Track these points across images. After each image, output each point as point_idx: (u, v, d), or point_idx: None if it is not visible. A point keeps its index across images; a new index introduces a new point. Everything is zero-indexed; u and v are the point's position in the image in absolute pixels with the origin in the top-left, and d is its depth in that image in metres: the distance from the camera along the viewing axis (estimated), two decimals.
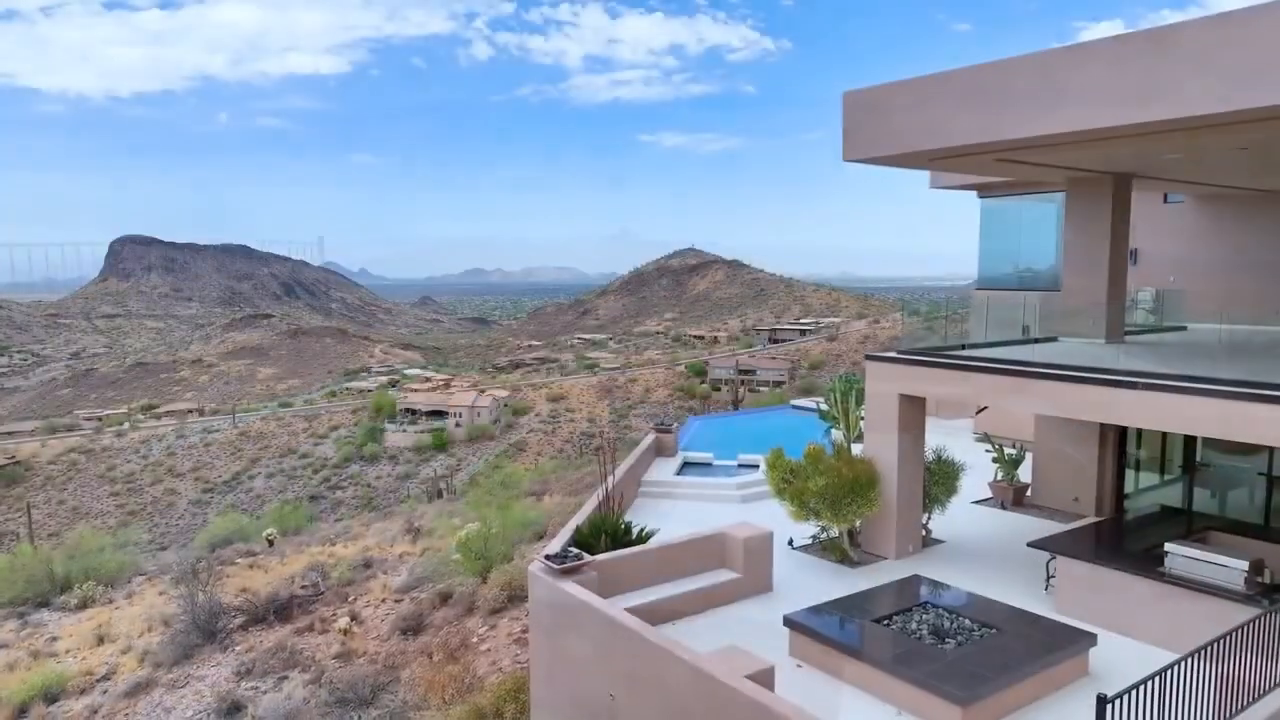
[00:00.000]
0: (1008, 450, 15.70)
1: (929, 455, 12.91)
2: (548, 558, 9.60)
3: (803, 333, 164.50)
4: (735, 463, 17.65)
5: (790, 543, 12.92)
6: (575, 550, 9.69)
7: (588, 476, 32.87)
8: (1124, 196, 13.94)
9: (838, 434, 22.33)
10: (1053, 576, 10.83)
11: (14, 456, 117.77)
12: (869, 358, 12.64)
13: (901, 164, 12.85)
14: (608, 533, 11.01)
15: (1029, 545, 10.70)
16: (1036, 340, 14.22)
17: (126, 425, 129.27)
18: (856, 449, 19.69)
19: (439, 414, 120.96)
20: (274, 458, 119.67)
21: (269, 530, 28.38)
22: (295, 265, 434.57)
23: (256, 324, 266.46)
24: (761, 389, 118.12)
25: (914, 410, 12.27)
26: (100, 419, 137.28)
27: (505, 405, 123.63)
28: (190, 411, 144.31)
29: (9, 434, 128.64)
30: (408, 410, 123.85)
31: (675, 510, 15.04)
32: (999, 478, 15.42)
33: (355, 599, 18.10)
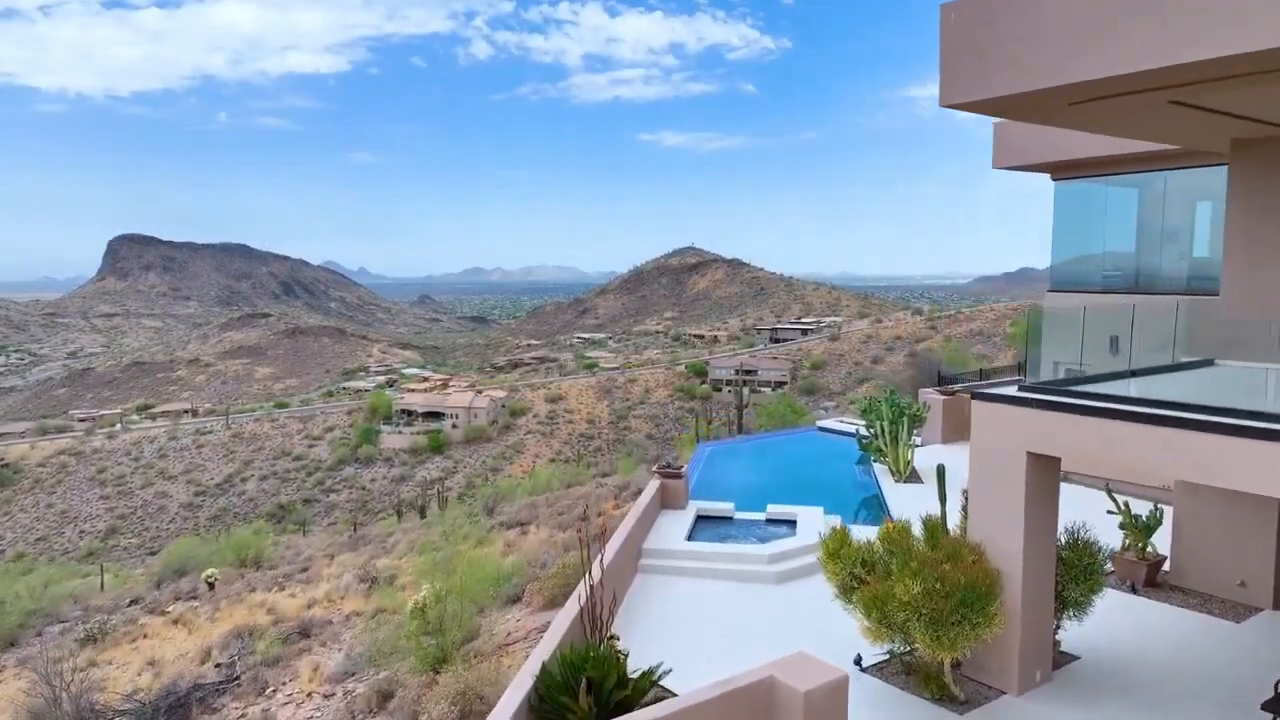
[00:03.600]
0: (1133, 507, 11.72)
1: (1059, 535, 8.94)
2: None
3: (804, 332, 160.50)
4: (763, 516, 13.68)
5: (858, 662, 8.96)
6: None
7: (582, 500, 28.90)
8: None
9: (881, 468, 18.41)
10: None
11: (2, 458, 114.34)
12: (975, 396, 8.65)
13: (1022, 110, 8.83)
14: (591, 678, 7.04)
15: (1264, 708, 6.71)
16: (1191, 365, 10.24)
17: (118, 426, 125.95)
18: (904, 494, 15.81)
19: (436, 415, 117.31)
20: (268, 459, 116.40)
21: (209, 572, 24.43)
22: (294, 264, 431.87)
23: (254, 323, 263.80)
24: (763, 389, 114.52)
25: (1046, 477, 8.29)
26: (95, 419, 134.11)
27: (503, 406, 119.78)
28: (185, 412, 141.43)
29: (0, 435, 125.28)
30: (404, 411, 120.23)
31: (688, 596, 11.07)
32: (1126, 547, 11.47)
33: (275, 690, 14.23)
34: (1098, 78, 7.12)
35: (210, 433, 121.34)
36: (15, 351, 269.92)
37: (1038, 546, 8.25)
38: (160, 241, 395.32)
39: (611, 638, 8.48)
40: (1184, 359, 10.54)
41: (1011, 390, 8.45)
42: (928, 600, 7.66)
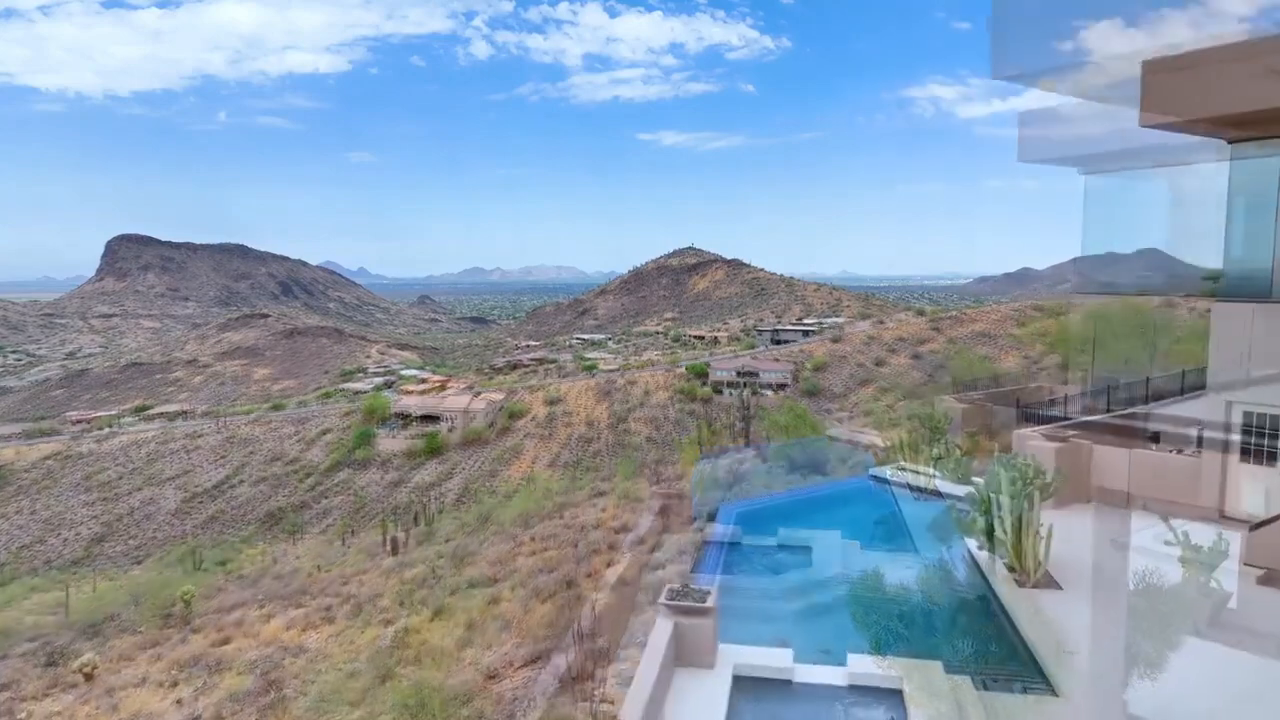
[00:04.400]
0: (1191, 535, 10.47)
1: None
2: None
3: (806, 333, 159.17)
4: (844, 682, 8.90)
5: None
6: None
7: (577, 521, 27.65)
8: None
9: (998, 564, 10.15)
10: None
11: None
12: (1026, 416, 7.40)
13: (1089, 84, 7.58)
14: None
15: None
16: (1269, 380, 8.99)
17: (109, 429, 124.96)
18: (1040, 613, 10.15)
19: (432, 418, 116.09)
20: (262, 463, 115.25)
21: (185, 589, 23.17)
22: (293, 264, 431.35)
23: (252, 324, 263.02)
24: (765, 392, 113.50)
25: (1117, 514, 7.04)
26: (89, 421, 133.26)
27: (501, 408, 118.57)
28: (180, 414, 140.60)
29: None
30: (400, 415, 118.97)
31: None
32: (1185, 583, 10.21)
33: None
34: (1199, 39, 5.89)
35: (202, 436, 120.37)
36: (13, 352, 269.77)
37: (1108, 595, 7.01)
38: (159, 242, 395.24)
39: None
40: (1256, 372, 9.32)
41: (1075, 414, 7.21)
42: None
